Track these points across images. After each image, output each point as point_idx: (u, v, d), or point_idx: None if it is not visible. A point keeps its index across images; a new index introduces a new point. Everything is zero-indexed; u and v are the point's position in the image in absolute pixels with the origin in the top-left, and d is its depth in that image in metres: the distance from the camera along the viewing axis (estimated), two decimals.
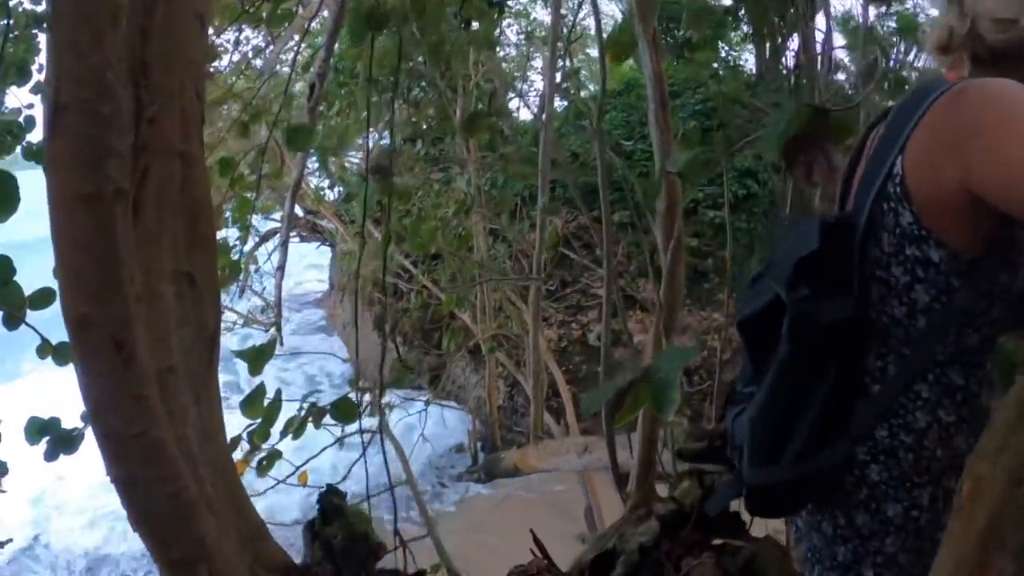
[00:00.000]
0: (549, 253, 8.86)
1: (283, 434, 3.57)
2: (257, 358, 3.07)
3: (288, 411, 3.06)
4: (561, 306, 11.60)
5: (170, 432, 1.30)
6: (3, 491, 3.03)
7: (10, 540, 3.34)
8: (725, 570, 2.91)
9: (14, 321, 1.91)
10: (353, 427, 3.51)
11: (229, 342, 10.75)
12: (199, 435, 1.57)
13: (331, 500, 1.82)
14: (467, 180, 6.17)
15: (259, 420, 2.91)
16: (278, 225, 7.33)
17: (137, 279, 1.23)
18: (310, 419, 3.66)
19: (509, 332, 8.15)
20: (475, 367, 11.76)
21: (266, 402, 2.95)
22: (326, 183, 8.71)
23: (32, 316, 1.84)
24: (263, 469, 3.33)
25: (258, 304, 11.26)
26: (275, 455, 3.41)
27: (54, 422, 1.98)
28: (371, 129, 4.07)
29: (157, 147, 1.50)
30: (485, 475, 7.21)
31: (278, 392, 3.31)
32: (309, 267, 16.22)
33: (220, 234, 4.70)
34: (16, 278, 1.77)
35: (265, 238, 9.52)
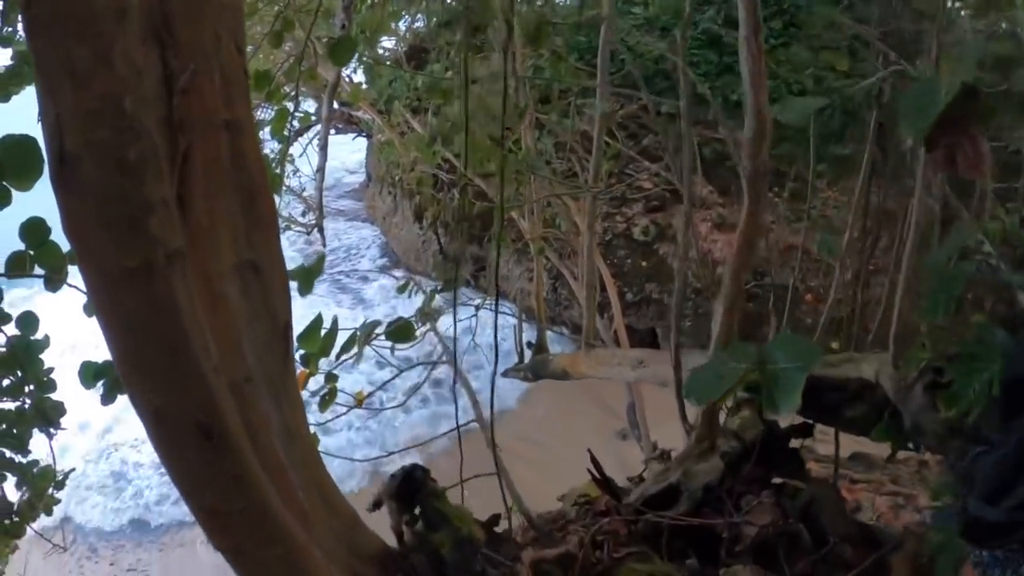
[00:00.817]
0: (608, 165, 8.46)
1: (339, 357, 3.49)
2: (307, 278, 2.93)
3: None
4: (605, 198, 11.25)
5: (271, 491, 1.15)
6: (63, 428, 3.04)
7: (73, 469, 3.39)
8: (784, 510, 2.86)
9: (55, 283, 1.77)
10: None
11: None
12: (283, 438, 1.44)
13: (432, 504, 1.69)
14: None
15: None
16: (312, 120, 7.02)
17: (213, 350, 1.02)
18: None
19: (557, 230, 7.90)
20: (518, 259, 11.62)
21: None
22: (361, 74, 8.27)
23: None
24: (325, 403, 3.28)
25: (296, 205, 11.12)
26: (334, 388, 3.34)
27: (109, 365, 1.89)
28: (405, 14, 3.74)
29: (197, 121, 1.24)
30: (532, 375, 7.16)
31: (334, 322, 3.20)
32: (345, 159, 15.93)
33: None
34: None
35: (299, 133, 9.23)
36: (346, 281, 12.82)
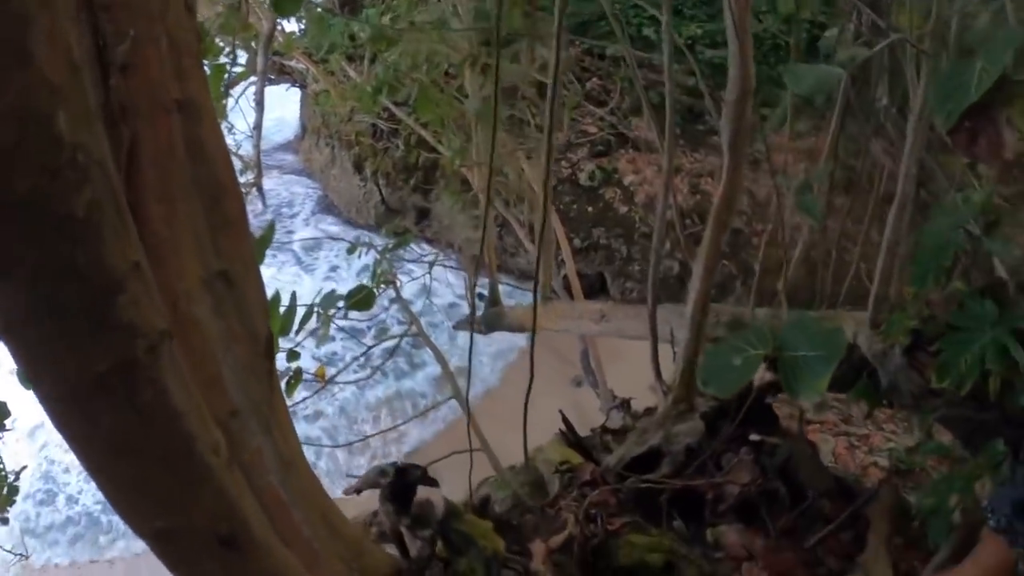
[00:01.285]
0: (570, 114, 8.20)
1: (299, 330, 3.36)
2: (259, 248, 2.77)
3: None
4: (556, 146, 11.07)
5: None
6: (9, 430, 2.83)
7: (25, 467, 3.22)
8: (763, 468, 2.89)
9: None
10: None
11: None
12: (279, 471, 1.26)
13: (454, 527, 1.57)
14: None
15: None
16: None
17: (221, 442, 0.82)
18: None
19: (503, 177, 7.70)
20: (462, 207, 11.39)
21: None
22: (293, 23, 7.79)
23: None
24: (291, 387, 3.13)
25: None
26: (299, 369, 3.20)
27: None
28: None
29: (142, 104, 0.99)
30: (485, 327, 7.07)
31: (293, 297, 3.04)
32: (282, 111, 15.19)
33: None
34: None
35: (230, 87, 8.70)
36: (284, 240, 12.32)
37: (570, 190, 11.02)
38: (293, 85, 11.56)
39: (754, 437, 2.95)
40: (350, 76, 8.62)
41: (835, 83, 2.04)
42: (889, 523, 2.53)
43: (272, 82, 11.71)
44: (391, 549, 1.73)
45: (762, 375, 3.07)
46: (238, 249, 1.23)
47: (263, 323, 1.29)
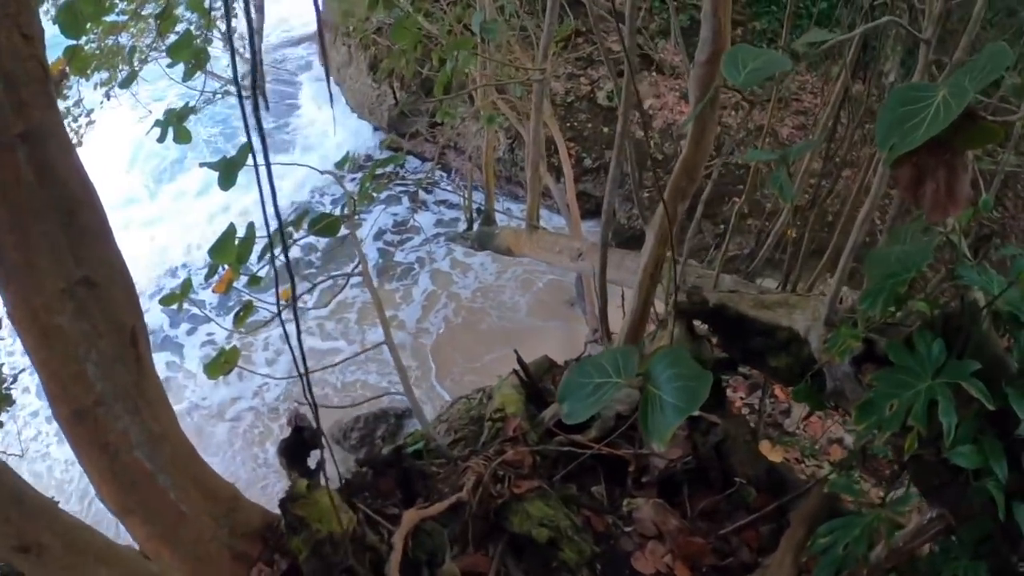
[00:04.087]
0: (561, 37, 7.81)
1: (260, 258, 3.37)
2: (228, 172, 2.75)
3: None
4: (572, 57, 10.69)
5: None
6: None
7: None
8: (694, 444, 2.85)
9: None
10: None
11: (214, 110, 10.10)
12: (148, 446, 1.44)
13: (288, 509, 1.67)
14: None
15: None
16: None
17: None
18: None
19: (512, 94, 7.52)
20: (474, 115, 11.15)
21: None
22: None
23: None
24: (240, 320, 3.18)
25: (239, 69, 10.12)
26: (250, 303, 3.24)
27: None
28: None
29: None
30: (478, 245, 7.13)
31: (250, 227, 3.04)
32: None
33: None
34: None
35: None
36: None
37: (587, 108, 10.72)
38: None
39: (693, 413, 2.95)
40: None
41: (782, 70, 1.86)
42: (807, 529, 2.35)
43: None
44: None
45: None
46: (99, 254, 1.30)
47: (129, 315, 1.42)
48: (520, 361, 3.46)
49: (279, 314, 1.31)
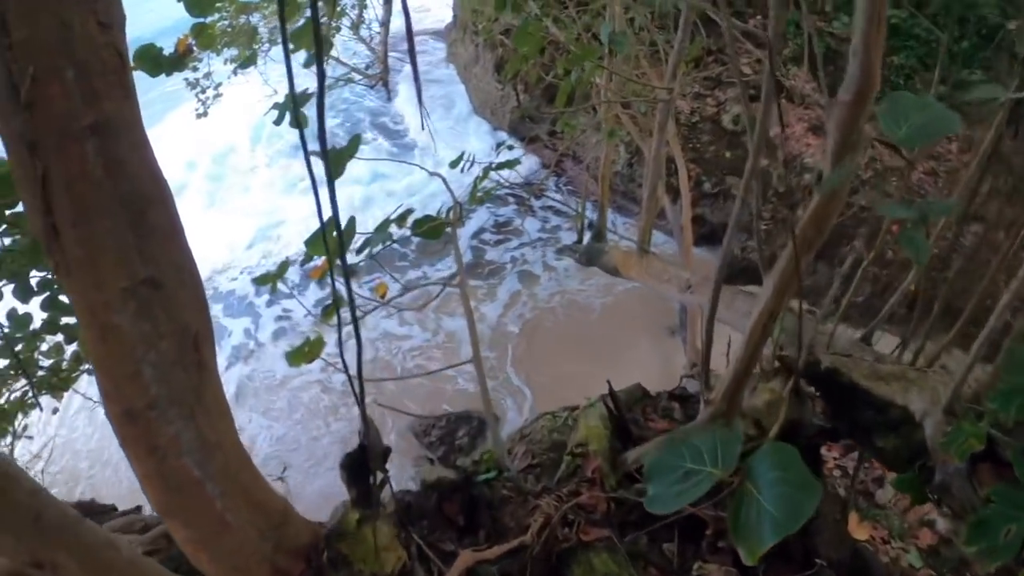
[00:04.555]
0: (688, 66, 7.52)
1: (359, 251, 3.35)
2: (337, 161, 2.75)
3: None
4: (699, 76, 10.35)
5: None
6: None
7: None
8: None
9: None
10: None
11: (341, 93, 10.38)
12: (200, 453, 1.41)
13: (333, 545, 1.59)
14: None
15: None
16: None
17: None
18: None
19: (636, 110, 7.33)
20: (596, 126, 10.99)
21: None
22: None
23: None
24: (328, 314, 3.17)
25: (366, 54, 10.34)
26: (338, 297, 3.21)
27: None
28: None
29: (49, 137, 1.04)
30: (585, 260, 6.95)
31: (351, 221, 3.02)
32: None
33: None
34: None
35: None
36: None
37: (710, 130, 10.33)
38: None
39: None
40: None
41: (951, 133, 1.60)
42: None
43: None
44: None
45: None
46: (168, 254, 1.26)
47: (194, 319, 1.37)
48: (611, 391, 3.31)
49: (340, 347, 1.23)
